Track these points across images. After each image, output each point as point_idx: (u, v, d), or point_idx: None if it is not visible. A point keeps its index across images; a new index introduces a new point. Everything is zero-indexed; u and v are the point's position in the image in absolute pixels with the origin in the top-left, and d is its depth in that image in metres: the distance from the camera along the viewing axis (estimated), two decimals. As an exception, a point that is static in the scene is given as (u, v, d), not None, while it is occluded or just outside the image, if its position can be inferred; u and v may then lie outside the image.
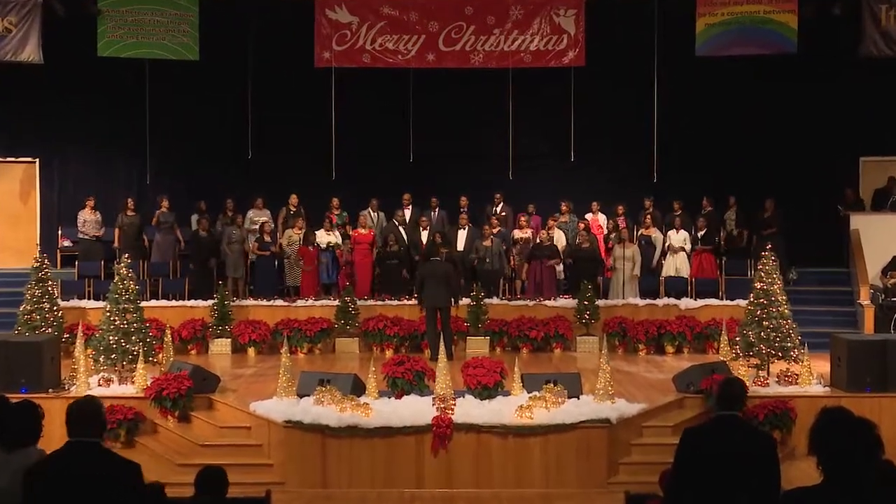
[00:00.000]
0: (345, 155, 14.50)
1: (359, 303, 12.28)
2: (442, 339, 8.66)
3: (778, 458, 4.23)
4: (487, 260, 13.18)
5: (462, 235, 13.80)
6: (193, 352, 12.02)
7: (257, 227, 13.90)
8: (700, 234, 13.85)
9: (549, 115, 15.16)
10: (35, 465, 3.72)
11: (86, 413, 3.73)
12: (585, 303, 12.12)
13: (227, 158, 15.24)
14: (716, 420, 4.42)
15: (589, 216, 14.52)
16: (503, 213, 14.53)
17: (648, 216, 14.09)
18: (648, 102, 14.12)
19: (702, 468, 4.21)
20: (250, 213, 14.41)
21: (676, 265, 13.59)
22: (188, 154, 15.46)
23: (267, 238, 13.60)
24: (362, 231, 13.81)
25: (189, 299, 13.00)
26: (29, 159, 15.50)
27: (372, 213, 14.43)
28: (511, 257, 13.76)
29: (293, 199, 14.44)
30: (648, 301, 12.70)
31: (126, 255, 9.93)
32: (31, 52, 13.05)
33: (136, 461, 3.73)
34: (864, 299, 12.73)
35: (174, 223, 14.31)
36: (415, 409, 7.93)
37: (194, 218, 14.38)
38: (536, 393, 8.03)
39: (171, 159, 15.50)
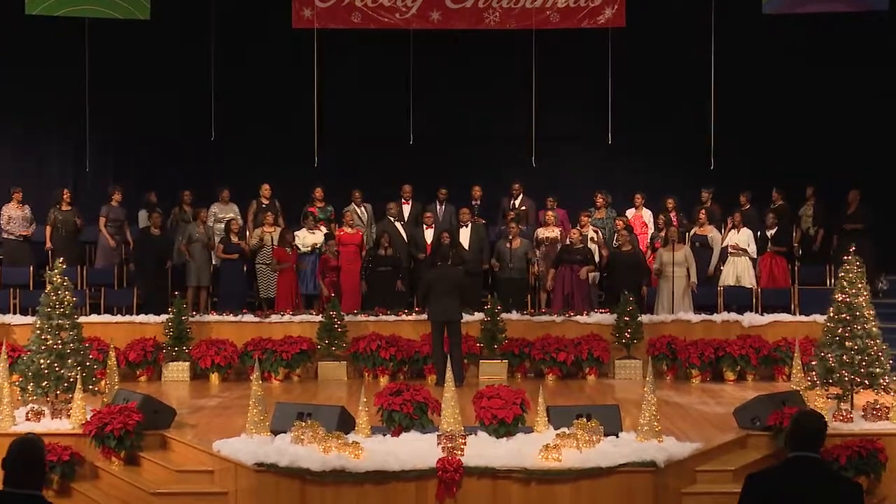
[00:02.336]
0: (330, 136, 14.56)
1: (346, 318, 12.30)
2: (450, 363, 8.66)
3: (864, 511, 4.24)
4: (511, 265, 13.19)
5: (464, 235, 13.82)
6: (143, 378, 12.05)
7: (222, 224, 13.97)
8: (770, 233, 13.87)
9: (580, 88, 15.21)
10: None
11: (23, 457, 3.71)
12: (626, 318, 12.12)
13: (185, 140, 15.32)
14: (787, 463, 4.42)
15: (630, 212, 14.55)
16: (523, 207, 14.57)
17: (704, 211, 14.10)
18: (704, 72, 14.16)
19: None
20: (214, 208, 14.47)
21: (738, 272, 13.58)
22: (136, 135, 15.54)
23: (234, 238, 13.65)
24: (348, 230, 13.85)
25: (138, 314, 13.03)
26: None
27: (359, 209, 14.46)
28: (534, 262, 13.80)
29: (265, 189, 14.51)
30: (703, 316, 12.68)
31: (60, 259, 9.94)
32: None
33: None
34: (971, 315, 12.71)
35: (125, 221, 14.39)
36: (416, 450, 7.92)
37: (143, 214, 14.44)
38: (565, 429, 8.03)
39: (116, 141, 15.58)
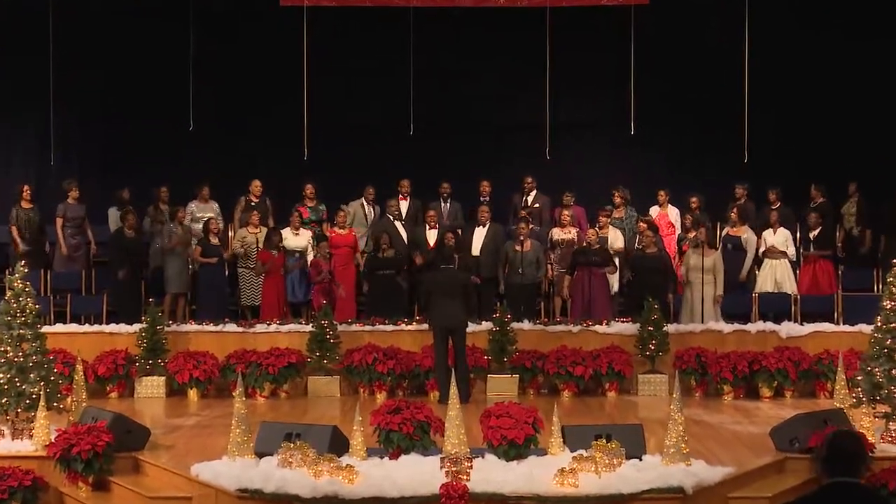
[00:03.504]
0: (321, 126, 14.56)
1: (340, 328, 12.31)
2: (454, 377, 8.66)
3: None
4: (521, 270, 13.22)
5: (479, 235, 13.82)
6: (114, 395, 12.07)
7: (201, 225, 14.00)
8: (812, 234, 13.86)
9: (599, 71, 15.20)
10: None
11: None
12: (650, 328, 12.11)
13: (161, 130, 15.33)
14: (829, 489, 4.41)
15: (654, 210, 14.56)
16: (536, 205, 14.56)
17: (736, 209, 14.09)
18: (737, 52, 14.13)
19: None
20: (192, 206, 14.49)
21: (776, 277, 13.58)
22: (105, 125, 15.55)
23: (214, 240, 13.67)
24: (340, 231, 13.88)
25: (108, 323, 13.06)
26: None
27: (366, 208, 14.48)
28: (547, 265, 13.80)
29: (255, 186, 14.50)
30: (737, 326, 12.67)
31: (22, 263, 9.95)
32: None
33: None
34: None
35: (85, 219, 14.41)
36: (416, 474, 7.92)
37: (113, 212, 14.44)
38: (583, 452, 8.02)
39: (83, 132, 15.60)
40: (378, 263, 13.45)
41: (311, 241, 13.87)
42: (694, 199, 14.36)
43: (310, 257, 13.69)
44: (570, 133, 15.30)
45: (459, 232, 13.73)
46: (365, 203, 14.49)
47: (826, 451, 4.48)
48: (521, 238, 13.31)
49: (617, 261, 13.57)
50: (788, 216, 14.09)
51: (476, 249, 13.69)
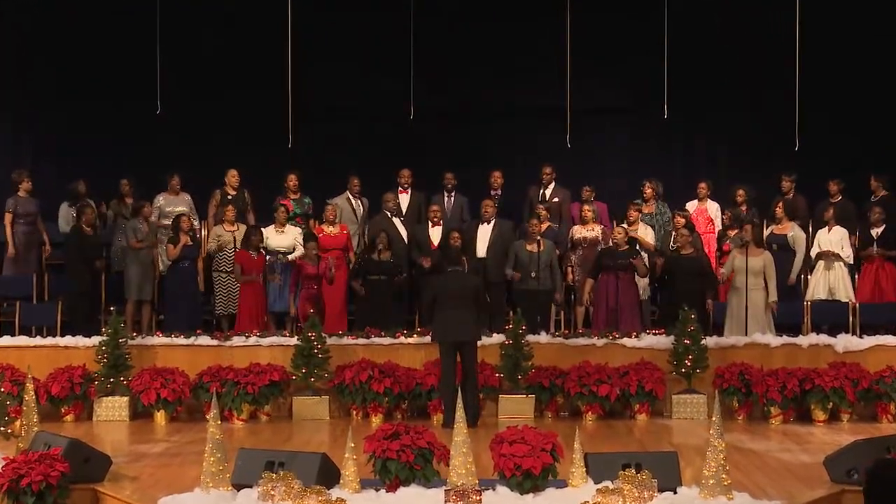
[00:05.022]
0: (308, 109, 14.56)
1: (329, 341, 12.32)
2: (461, 398, 8.66)
3: None
4: (534, 274, 13.21)
5: (485, 233, 13.82)
6: (70, 418, 12.08)
7: (170, 221, 14.00)
8: (875, 232, 13.84)
9: (626, 49, 15.18)
10: None
11: None
12: (686, 342, 12.10)
13: (123, 113, 15.34)
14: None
15: (692, 204, 14.55)
16: (555, 199, 14.58)
17: (782, 204, 14.08)
18: (786, 24, 14.10)
19: None
20: (160, 200, 14.52)
21: (830, 282, 13.58)
22: (60, 109, 15.56)
23: (185, 239, 13.68)
24: (330, 229, 13.88)
25: (63, 335, 13.05)
26: None
27: (354, 202, 14.51)
28: (567, 268, 13.78)
29: (232, 176, 14.52)
30: (786, 339, 12.66)
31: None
32: None
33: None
34: None
35: (38, 215, 14.42)
36: (417, 509, 7.94)
37: (65, 208, 14.44)
38: (609, 483, 8.02)
39: (36, 114, 15.60)
40: (372, 266, 13.45)
41: (298, 240, 13.85)
42: (740, 192, 14.35)
43: (299, 259, 13.61)
44: (592, 117, 15.27)
45: (465, 230, 13.73)
46: (351, 197, 14.50)
47: (871, 484, 4.48)
48: (531, 237, 13.32)
49: (647, 262, 13.53)
50: (847, 211, 14.04)
51: (482, 250, 13.69)
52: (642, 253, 13.54)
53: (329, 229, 13.86)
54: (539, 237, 13.32)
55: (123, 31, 15.34)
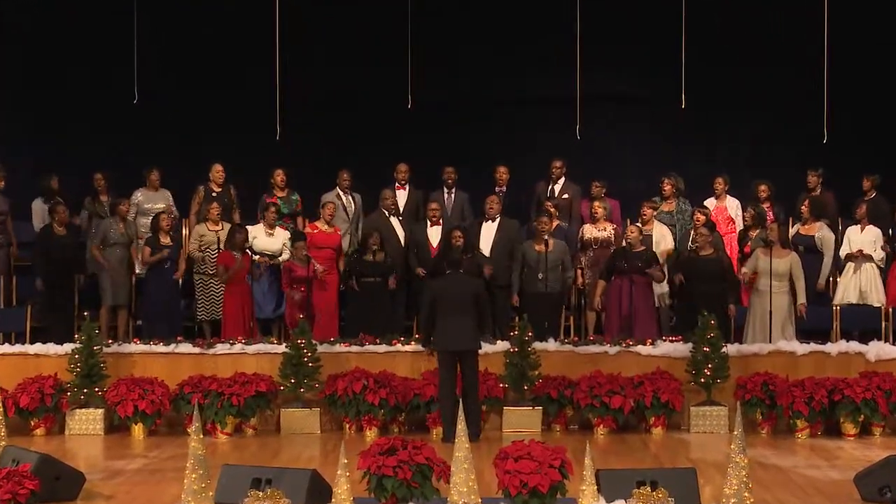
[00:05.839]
0: (298, 98, 14.56)
1: (320, 348, 12.32)
2: (463, 410, 8.66)
3: None
4: (541, 276, 13.19)
5: (489, 232, 13.83)
6: (40, 431, 12.08)
7: (150, 219, 13.99)
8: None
9: (641, 33, 15.18)
10: None
11: None
12: (706, 349, 12.10)
13: (98, 104, 15.34)
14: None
15: (711, 202, 14.58)
16: (564, 196, 14.60)
17: (808, 202, 14.06)
18: (813, 9, 14.11)
19: None
20: (139, 196, 14.54)
21: (861, 284, 13.59)
22: (29, 98, 15.56)
23: (166, 238, 13.67)
24: (324, 227, 13.88)
25: (32, 342, 13.05)
26: None
27: (345, 198, 14.52)
28: (578, 270, 13.78)
29: (217, 171, 14.51)
30: (813, 347, 12.64)
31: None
32: None
33: None
34: None
35: (7, 214, 14.41)
36: (415, 530, 7.94)
37: (38, 204, 14.45)
38: (622, 502, 8.03)
39: (3, 105, 15.60)
40: (363, 267, 13.46)
41: (286, 244, 13.84)
42: (763, 188, 14.36)
43: (287, 262, 13.66)
44: (605, 107, 15.28)
45: (467, 229, 13.73)
46: (340, 192, 14.50)
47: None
48: (539, 236, 13.31)
49: (665, 270, 13.51)
50: (880, 209, 14.02)
51: (485, 250, 13.70)
52: (662, 263, 13.53)
53: (324, 227, 13.85)
54: (547, 236, 13.32)
55: (97, 17, 15.33)
